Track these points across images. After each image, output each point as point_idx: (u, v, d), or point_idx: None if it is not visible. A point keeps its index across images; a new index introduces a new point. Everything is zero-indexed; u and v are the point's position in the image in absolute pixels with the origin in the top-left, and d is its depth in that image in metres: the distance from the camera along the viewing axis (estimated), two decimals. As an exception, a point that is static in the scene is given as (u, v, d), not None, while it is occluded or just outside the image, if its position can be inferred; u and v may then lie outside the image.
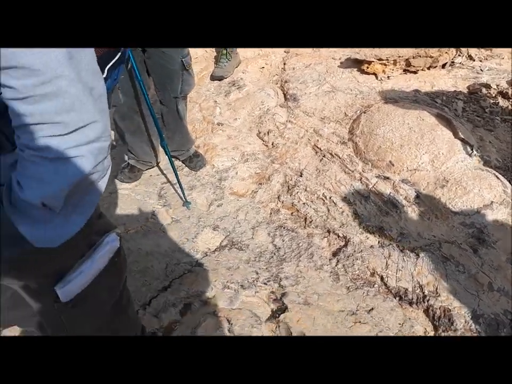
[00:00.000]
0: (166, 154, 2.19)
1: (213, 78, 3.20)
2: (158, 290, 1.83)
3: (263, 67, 3.35)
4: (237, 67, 3.29)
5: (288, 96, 2.90)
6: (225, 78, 3.18)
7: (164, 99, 2.23)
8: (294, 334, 1.61)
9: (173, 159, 2.41)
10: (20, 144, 0.67)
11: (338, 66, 3.15)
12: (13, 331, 1.65)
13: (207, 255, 2.02)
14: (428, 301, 1.68)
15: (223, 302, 1.77)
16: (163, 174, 2.51)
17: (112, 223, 1.01)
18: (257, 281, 1.85)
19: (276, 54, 3.47)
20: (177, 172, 2.26)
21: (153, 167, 2.53)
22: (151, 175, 2.50)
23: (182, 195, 2.30)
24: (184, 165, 2.54)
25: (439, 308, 1.64)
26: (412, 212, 2.03)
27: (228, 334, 1.63)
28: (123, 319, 1.18)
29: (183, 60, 2.06)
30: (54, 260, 0.85)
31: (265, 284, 1.84)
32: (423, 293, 1.71)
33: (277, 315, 1.71)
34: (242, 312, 1.73)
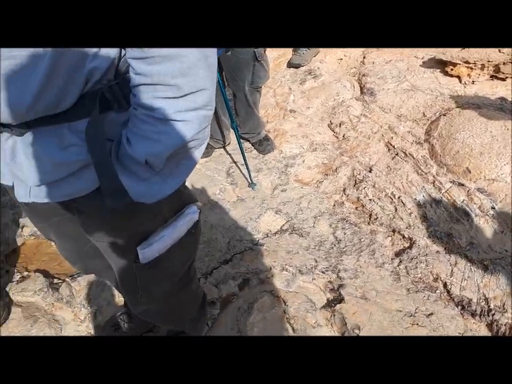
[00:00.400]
0: (236, 136, 2.24)
1: (290, 65, 3.20)
2: (220, 262, 1.89)
3: (341, 59, 3.31)
4: (315, 56, 3.27)
5: (365, 90, 2.86)
6: (302, 66, 3.17)
7: (233, 88, 2.24)
8: (349, 326, 1.61)
9: (243, 140, 2.47)
10: (134, 103, 0.71)
11: (420, 65, 3.04)
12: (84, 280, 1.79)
13: (268, 236, 2.06)
14: (492, 315, 1.62)
15: (280, 283, 1.80)
16: (232, 154, 2.57)
17: (194, 195, 1.05)
18: (315, 268, 1.87)
19: (356, 47, 3.41)
20: (245, 154, 2.31)
21: (224, 146, 2.59)
22: (221, 154, 2.57)
23: (248, 176, 2.35)
24: (253, 148, 2.59)
25: (505, 325, 1.58)
26: (485, 223, 1.95)
27: (283, 314, 1.67)
28: (188, 289, 1.24)
29: (255, 50, 2.02)
30: (143, 220, 0.90)
31: (323, 272, 1.86)
32: (489, 306, 1.65)
33: (333, 304, 1.72)
34: (298, 296, 1.76)
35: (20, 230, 2.00)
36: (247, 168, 2.32)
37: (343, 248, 1.98)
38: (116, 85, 0.72)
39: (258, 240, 2.03)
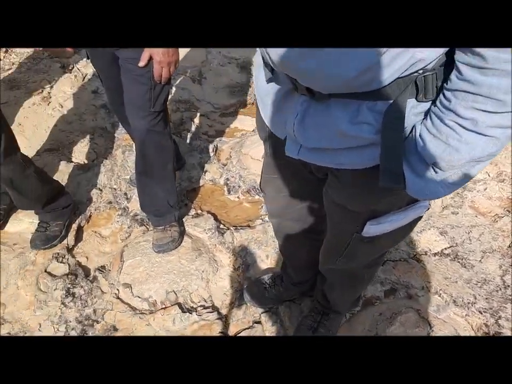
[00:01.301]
0: None
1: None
2: (371, 263, 1.87)
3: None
4: None
5: None
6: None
7: None
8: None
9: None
10: (443, 105, 0.68)
11: None
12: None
13: (426, 254, 1.95)
14: None
15: (430, 306, 1.71)
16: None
17: None
18: (472, 305, 1.72)
19: None
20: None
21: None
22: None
23: (419, 187, 2.24)
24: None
25: None
26: None
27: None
28: (371, 272, 1.35)
29: None
30: (387, 202, 0.91)
31: (480, 312, 1.70)
32: None
33: (484, 349, 1.57)
34: (446, 325, 1.65)
35: (203, 174, 2.25)
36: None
37: (510, 295, 1.77)
38: (430, 75, 0.69)
39: (415, 255, 1.94)
